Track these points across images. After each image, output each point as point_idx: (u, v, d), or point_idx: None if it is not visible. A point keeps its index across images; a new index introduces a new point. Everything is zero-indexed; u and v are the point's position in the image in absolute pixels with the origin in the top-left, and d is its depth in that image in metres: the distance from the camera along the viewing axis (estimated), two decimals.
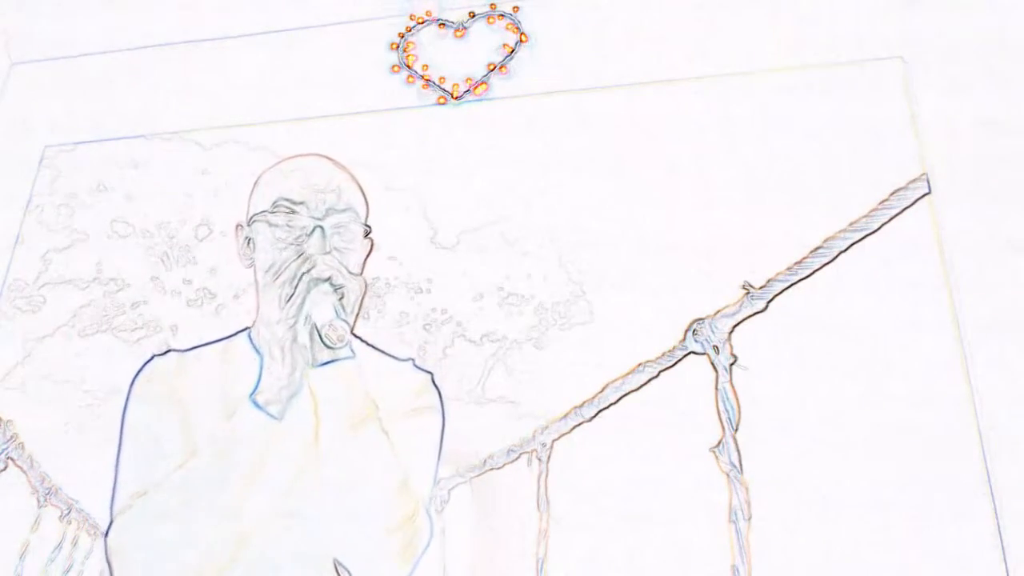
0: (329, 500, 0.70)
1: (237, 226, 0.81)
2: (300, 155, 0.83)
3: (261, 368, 0.75)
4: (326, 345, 0.73)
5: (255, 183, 0.82)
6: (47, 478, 0.76)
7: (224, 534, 0.70)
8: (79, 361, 0.80)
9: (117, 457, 0.74)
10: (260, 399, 0.73)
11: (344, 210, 0.78)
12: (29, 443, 0.77)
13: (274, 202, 0.79)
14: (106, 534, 0.72)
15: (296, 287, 0.75)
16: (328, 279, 0.75)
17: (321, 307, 0.74)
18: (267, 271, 0.77)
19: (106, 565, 0.71)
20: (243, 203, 0.83)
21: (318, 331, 0.73)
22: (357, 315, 0.76)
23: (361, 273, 0.78)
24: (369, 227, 0.79)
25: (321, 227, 0.77)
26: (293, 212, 0.78)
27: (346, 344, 0.73)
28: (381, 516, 0.69)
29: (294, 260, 0.76)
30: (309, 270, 0.75)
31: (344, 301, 0.75)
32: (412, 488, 0.70)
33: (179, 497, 0.72)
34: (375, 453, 0.71)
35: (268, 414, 0.73)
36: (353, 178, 0.81)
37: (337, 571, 0.68)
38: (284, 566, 0.69)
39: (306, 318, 0.74)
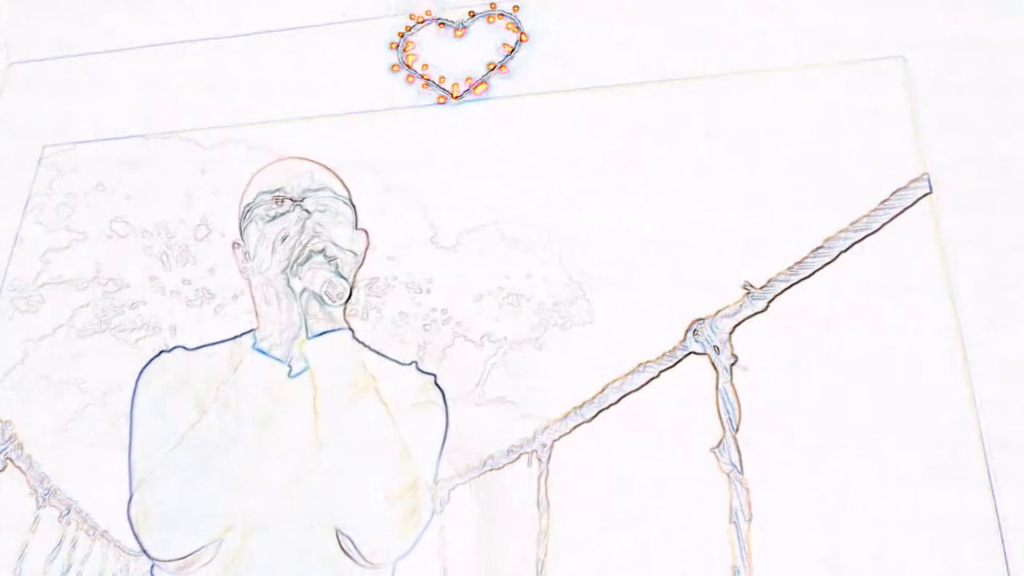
0: (331, 467, 0.71)
1: (233, 244, 0.82)
2: (274, 160, 0.85)
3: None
4: (325, 303, 0.75)
5: (241, 204, 0.83)
6: (46, 478, 0.76)
7: (234, 495, 0.71)
8: (78, 361, 0.80)
9: (129, 444, 0.75)
10: (264, 345, 0.76)
11: (320, 189, 0.81)
12: (28, 443, 0.77)
13: (256, 196, 0.82)
14: (128, 508, 0.73)
15: (290, 231, 0.77)
16: (322, 251, 0.77)
17: (318, 275, 0.75)
18: (261, 220, 0.79)
19: (133, 538, 0.72)
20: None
21: (317, 296, 0.75)
22: (352, 286, 0.78)
23: (360, 260, 0.79)
24: (354, 205, 0.80)
25: (300, 205, 0.79)
26: (274, 199, 0.80)
27: (342, 304, 0.76)
28: (382, 483, 0.70)
29: (290, 208, 0.79)
30: (304, 222, 0.78)
31: (340, 271, 0.77)
32: (412, 458, 0.71)
33: (193, 455, 0.73)
34: (375, 421, 0.72)
35: (273, 358, 0.75)
36: (329, 169, 0.82)
37: (340, 542, 0.69)
38: (290, 533, 0.70)
39: (303, 290, 0.76)
